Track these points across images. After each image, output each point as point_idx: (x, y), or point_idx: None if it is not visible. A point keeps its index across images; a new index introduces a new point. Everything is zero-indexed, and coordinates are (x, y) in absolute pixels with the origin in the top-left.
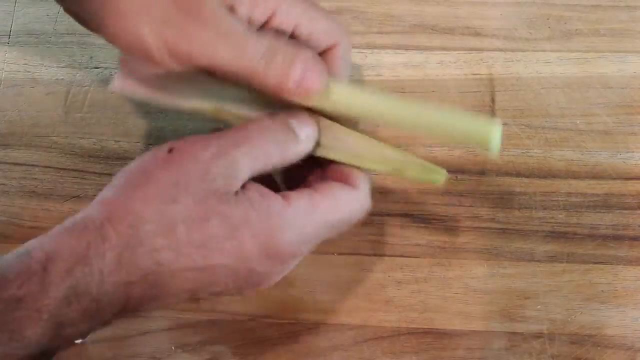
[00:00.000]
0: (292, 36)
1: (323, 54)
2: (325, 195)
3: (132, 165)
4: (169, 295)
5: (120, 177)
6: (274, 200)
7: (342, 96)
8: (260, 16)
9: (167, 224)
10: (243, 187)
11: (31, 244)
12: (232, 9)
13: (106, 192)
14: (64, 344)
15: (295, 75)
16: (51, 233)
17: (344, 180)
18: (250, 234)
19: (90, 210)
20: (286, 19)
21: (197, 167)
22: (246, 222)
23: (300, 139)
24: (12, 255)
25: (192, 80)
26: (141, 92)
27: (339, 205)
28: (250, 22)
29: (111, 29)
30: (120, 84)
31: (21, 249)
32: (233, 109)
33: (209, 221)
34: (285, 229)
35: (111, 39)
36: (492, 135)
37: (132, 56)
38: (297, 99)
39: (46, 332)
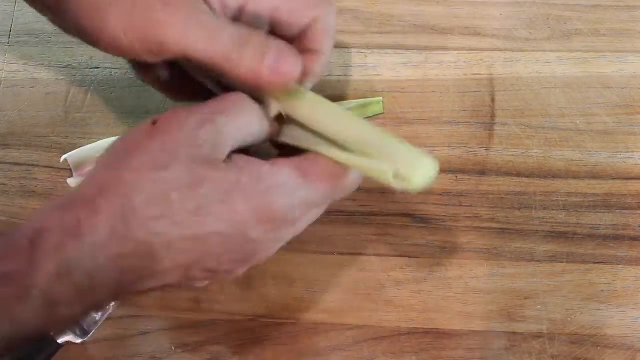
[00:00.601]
0: (272, 20)
1: (305, 30)
2: (314, 162)
3: (118, 140)
4: (163, 271)
5: (107, 152)
6: (263, 164)
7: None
8: (234, 2)
9: (161, 192)
10: (229, 156)
11: (22, 224)
12: None
13: (95, 168)
14: (59, 325)
15: (269, 60)
16: (40, 210)
17: None
18: (242, 198)
19: (81, 188)
20: (261, 2)
21: (183, 135)
22: (237, 186)
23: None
24: None
25: None
26: None
27: (328, 173)
28: (224, 6)
29: (78, 20)
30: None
31: (10, 228)
32: None
33: (201, 187)
34: (277, 191)
35: (79, 33)
36: (417, 170)
37: (102, 49)
38: (272, 87)
39: (38, 311)
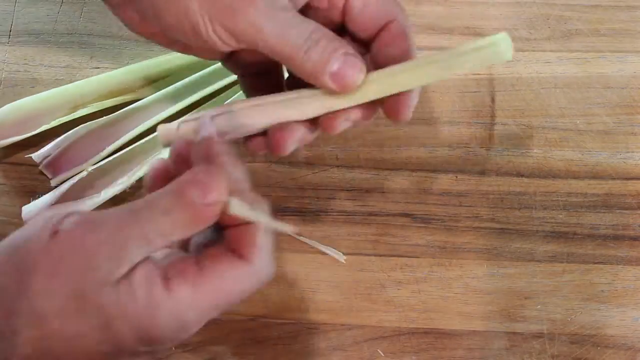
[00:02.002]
0: (344, 11)
1: (382, 31)
2: (212, 278)
3: (16, 243)
4: None
5: (3, 255)
6: (155, 289)
7: (373, 87)
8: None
9: (40, 317)
10: (133, 268)
11: None
12: None
13: None
14: None
15: (332, 67)
16: None
17: (239, 249)
18: (126, 325)
19: None
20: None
21: (80, 256)
22: (123, 313)
23: (202, 209)
24: None
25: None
26: None
27: (226, 288)
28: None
29: (161, 4)
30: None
31: None
32: None
33: (84, 314)
34: (163, 320)
35: (159, 13)
36: (502, 49)
37: (179, 32)
38: (331, 90)
39: None
